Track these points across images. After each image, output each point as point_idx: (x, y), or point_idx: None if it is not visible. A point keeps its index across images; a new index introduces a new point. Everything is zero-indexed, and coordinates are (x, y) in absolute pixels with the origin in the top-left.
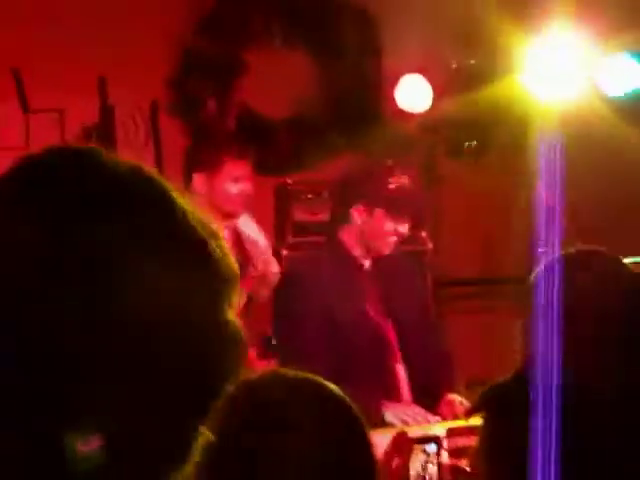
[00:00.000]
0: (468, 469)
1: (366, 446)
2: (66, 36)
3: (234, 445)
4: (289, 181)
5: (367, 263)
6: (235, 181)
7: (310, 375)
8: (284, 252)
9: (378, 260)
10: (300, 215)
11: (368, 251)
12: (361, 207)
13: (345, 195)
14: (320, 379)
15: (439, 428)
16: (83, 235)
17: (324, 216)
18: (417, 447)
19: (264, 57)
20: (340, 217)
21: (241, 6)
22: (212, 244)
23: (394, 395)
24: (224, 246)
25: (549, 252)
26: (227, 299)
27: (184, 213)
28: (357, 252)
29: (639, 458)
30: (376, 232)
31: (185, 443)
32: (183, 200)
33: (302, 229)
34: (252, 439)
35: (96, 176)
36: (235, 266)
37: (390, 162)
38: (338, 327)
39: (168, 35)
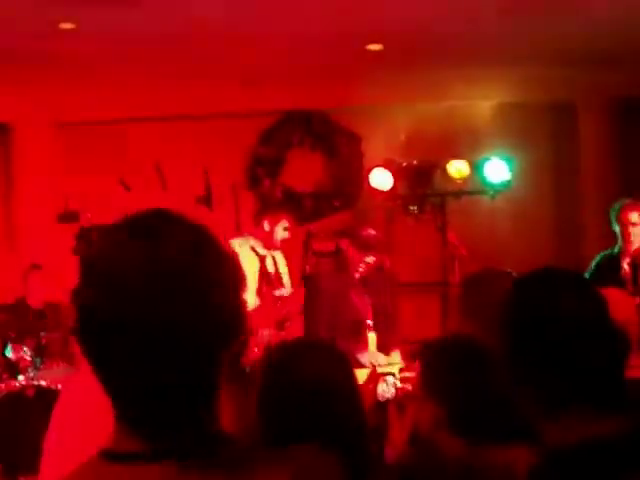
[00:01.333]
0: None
1: (354, 376)
2: (186, 145)
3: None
4: (311, 228)
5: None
6: (285, 230)
7: (321, 339)
8: (307, 268)
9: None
10: (317, 247)
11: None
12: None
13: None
14: (327, 341)
15: (395, 367)
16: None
17: (331, 247)
18: (382, 378)
19: (298, 157)
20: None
21: (285, 129)
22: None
23: (364, 346)
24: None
25: (455, 267)
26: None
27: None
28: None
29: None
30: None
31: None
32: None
33: (318, 254)
34: (286, 377)
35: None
36: (241, 274)
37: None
38: (338, 311)
39: (243, 145)
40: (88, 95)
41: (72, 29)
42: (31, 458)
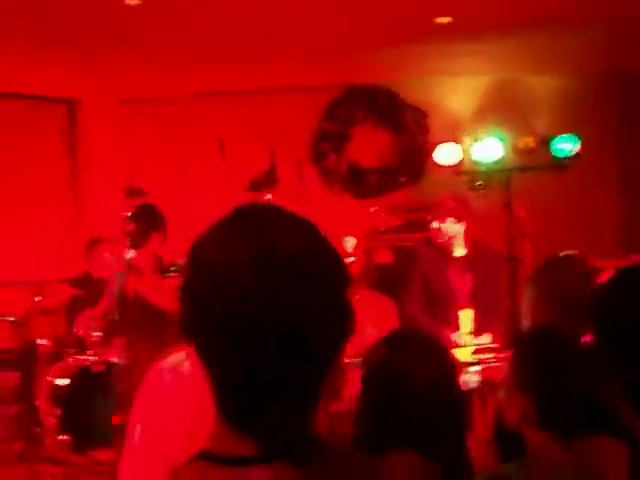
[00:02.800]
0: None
1: (457, 373)
2: (250, 120)
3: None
4: (376, 204)
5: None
6: None
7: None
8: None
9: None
10: (381, 222)
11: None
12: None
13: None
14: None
15: (468, 350)
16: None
17: (395, 222)
18: (467, 368)
19: (362, 133)
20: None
21: (349, 105)
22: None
23: (457, 327)
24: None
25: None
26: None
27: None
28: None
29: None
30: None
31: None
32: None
33: (382, 230)
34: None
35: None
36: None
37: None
38: (433, 285)
39: (308, 119)
40: (153, 71)
41: (138, 5)
42: (99, 433)
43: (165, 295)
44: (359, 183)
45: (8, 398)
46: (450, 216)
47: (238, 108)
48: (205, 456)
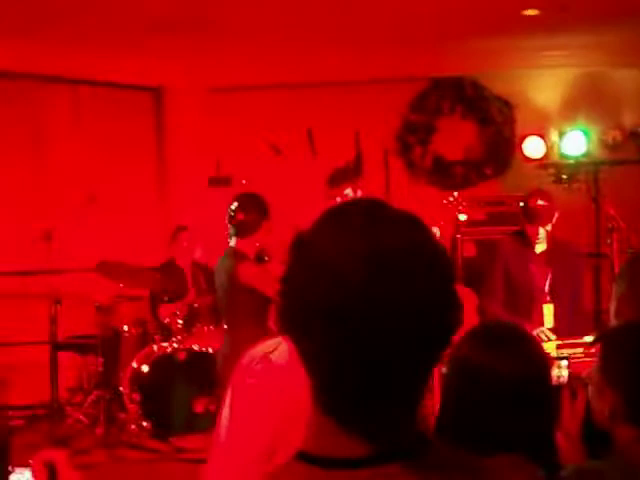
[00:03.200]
0: (585, 378)
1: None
2: (338, 111)
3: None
4: (460, 196)
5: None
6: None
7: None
8: (458, 235)
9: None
10: (466, 214)
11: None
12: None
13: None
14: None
15: (554, 346)
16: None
17: (480, 215)
18: (556, 362)
19: (448, 125)
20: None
21: (435, 96)
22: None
23: (538, 322)
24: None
25: (612, 240)
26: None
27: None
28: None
29: None
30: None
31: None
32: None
33: (467, 223)
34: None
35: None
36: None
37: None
38: (512, 281)
39: (394, 111)
40: (240, 60)
41: None
42: (180, 420)
43: (270, 282)
44: (444, 176)
45: (91, 383)
46: (551, 220)
47: (325, 99)
48: (305, 457)
